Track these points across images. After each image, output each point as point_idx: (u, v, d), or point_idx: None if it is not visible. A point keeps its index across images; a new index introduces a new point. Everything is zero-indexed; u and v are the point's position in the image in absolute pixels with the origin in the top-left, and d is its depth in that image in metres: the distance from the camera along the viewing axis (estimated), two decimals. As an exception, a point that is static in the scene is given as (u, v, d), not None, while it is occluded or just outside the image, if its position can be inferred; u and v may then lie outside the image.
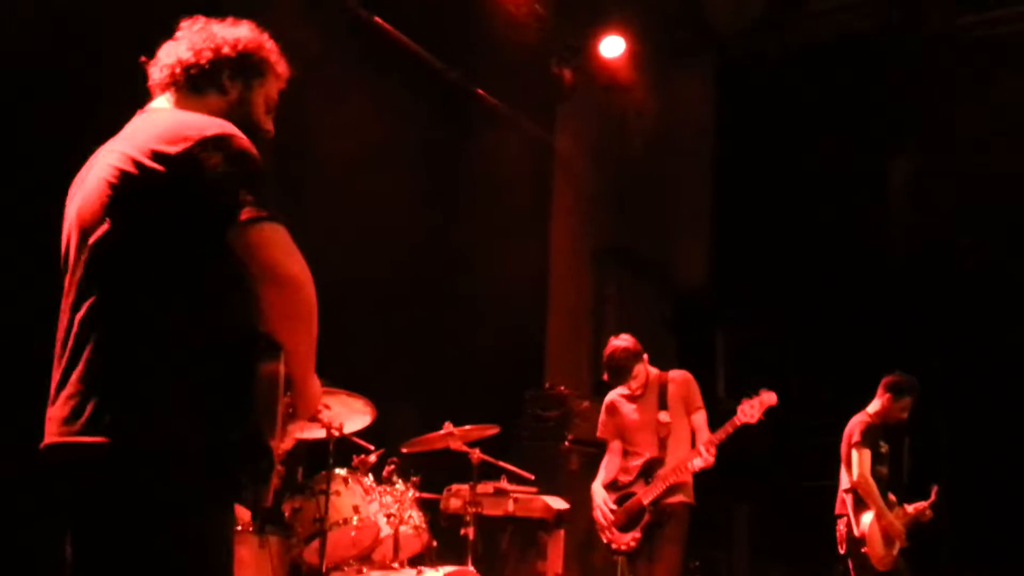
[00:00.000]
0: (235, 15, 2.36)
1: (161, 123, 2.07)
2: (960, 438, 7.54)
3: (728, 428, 4.93)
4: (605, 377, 5.30)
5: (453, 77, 7.13)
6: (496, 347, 7.04)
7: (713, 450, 4.91)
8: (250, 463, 1.98)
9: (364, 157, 5.93)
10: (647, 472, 5.11)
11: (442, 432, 4.77)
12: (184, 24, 2.30)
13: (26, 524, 3.44)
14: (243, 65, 2.26)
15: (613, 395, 5.43)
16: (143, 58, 2.29)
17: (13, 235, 3.94)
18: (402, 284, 6.45)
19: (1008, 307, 7.57)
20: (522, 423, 7.01)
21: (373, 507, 4.30)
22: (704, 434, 5.11)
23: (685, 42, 9.28)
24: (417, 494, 4.60)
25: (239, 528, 3.89)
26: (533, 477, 5.62)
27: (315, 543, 4.07)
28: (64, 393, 1.95)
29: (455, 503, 5.37)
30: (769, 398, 4.96)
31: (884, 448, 5.77)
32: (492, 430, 4.92)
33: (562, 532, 6.02)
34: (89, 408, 1.89)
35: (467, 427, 4.80)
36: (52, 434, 1.95)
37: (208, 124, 2.03)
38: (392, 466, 4.57)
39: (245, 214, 1.92)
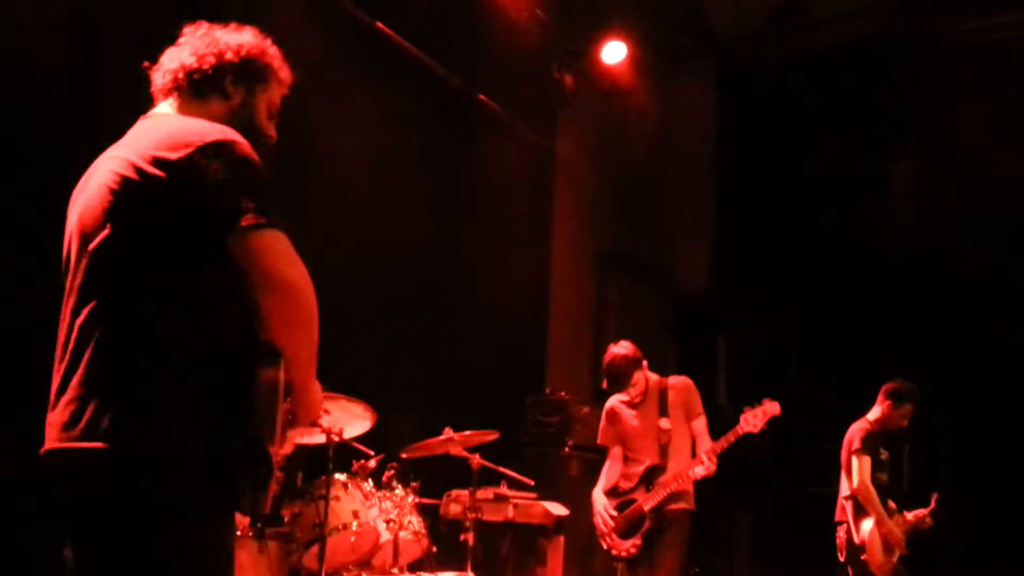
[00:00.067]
0: (237, 20, 2.36)
1: (163, 129, 2.07)
2: (961, 444, 7.53)
3: (730, 437, 4.92)
4: (604, 385, 5.29)
5: (455, 83, 7.13)
6: (497, 352, 7.04)
7: (715, 459, 4.90)
8: (249, 469, 1.98)
9: (366, 163, 5.94)
10: (648, 479, 5.11)
11: (442, 437, 4.77)
12: (187, 30, 2.30)
13: (26, 525, 3.44)
14: (246, 71, 2.26)
15: (613, 401, 5.43)
16: (146, 63, 2.30)
17: (14, 235, 3.95)
18: (403, 289, 6.46)
19: (1010, 312, 7.56)
20: (522, 429, 7.00)
21: (373, 512, 4.30)
22: (705, 440, 5.10)
23: (686, 47, 9.30)
24: (417, 499, 4.60)
25: (239, 533, 3.90)
26: (533, 483, 5.62)
27: (314, 548, 4.07)
28: (64, 398, 1.95)
29: (455, 509, 5.36)
30: (772, 408, 4.95)
31: (884, 455, 5.76)
32: (492, 435, 4.91)
33: (562, 538, 6.01)
34: (88, 413, 1.90)
35: (467, 432, 4.80)
36: (52, 440, 1.95)
37: (210, 130, 2.04)
38: (392, 471, 4.56)
39: (245, 220, 1.92)
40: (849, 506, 5.69)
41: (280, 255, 1.96)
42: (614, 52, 8.08)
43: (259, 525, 3.98)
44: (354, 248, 5.82)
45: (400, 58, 6.59)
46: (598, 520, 5.26)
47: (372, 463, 4.49)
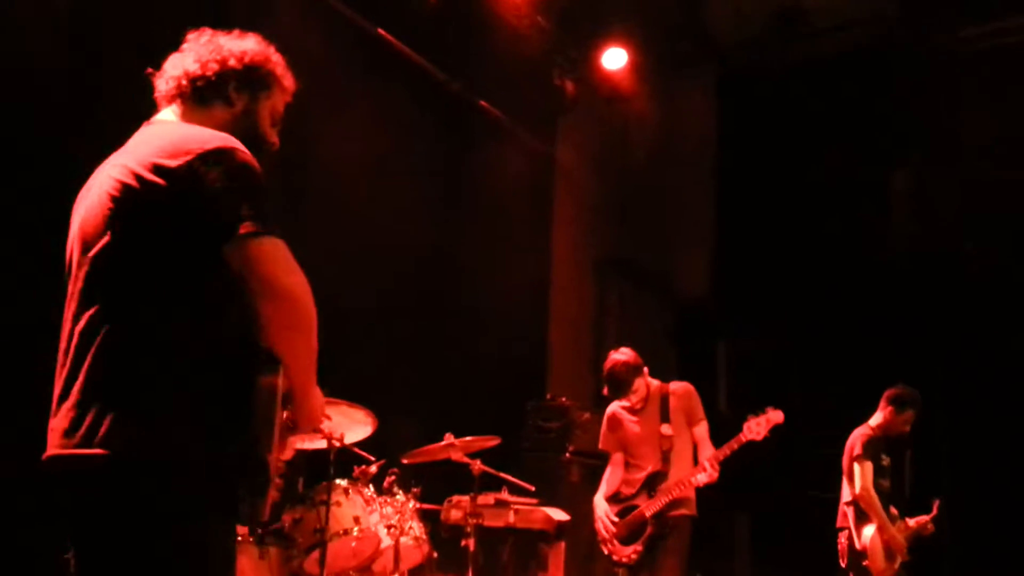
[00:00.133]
0: (238, 23, 2.37)
1: (164, 136, 2.07)
2: (963, 450, 7.52)
3: (733, 444, 4.92)
4: (605, 391, 5.28)
5: (455, 89, 7.15)
6: (498, 358, 7.04)
7: (717, 466, 4.90)
8: (247, 476, 1.99)
9: (367, 168, 5.95)
10: (650, 485, 5.10)
11: (443, 443, 4.77)
12: (191, 36, 2.30)
13: (27, 526, 3.44)
14: (249, 78, 2.27)
15: (615, 407, 5.42)
16: (149, 69, 2.30)
17: (14, 236, 3.95)
18: (404, 295, 6.46)
19: (1012, 317, 7.56)
20: (523, 434, 6.99)
21: (374, 518, 4.30)
22: (707, 446, 5.10)
23: (687, 53, 9.31)
24: (418, 505, 4.59)
25: (239, 538, 3.89)
26: (534, 489, 5.61)
27: (315, 554, 4.06)
28: (65, 404, 1.95)
29: (456, 514, 5.36)
30: (776, 416, 4.95)
31: (886, 461, 5.76)
32: (493, 441, 4.91)
33: (563, 544, 6.00)
34: (89, 419, 1.90)
35: (468, 438, 4.80)
36: (53, 446, 1.96)
37: (210, 138, 2.04)
38: (393, 477, 4.56)
39: (243, 228, 1.93)
40: (851, 512, 5.69)
41: (278, 262, 1.97)
42: (615, 58, 8.10)
43: (259, 532, 3.98)
44: (355, 254, 5.83)
45: (401, 64, 6.60)
46: (599, 526, 5.25)
47: (373, 469, 4.48)
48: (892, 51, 8.33)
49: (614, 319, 8.93)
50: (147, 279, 1.97)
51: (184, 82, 2.23)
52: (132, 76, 2.37)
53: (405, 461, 4.78)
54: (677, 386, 5.32)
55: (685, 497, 5.03)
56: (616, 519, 5.16)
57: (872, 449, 5.67)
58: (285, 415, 2.13)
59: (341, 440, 4.28)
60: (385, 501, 4.41)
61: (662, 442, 5.14)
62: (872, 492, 5.58)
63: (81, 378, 1.94)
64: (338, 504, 4.17)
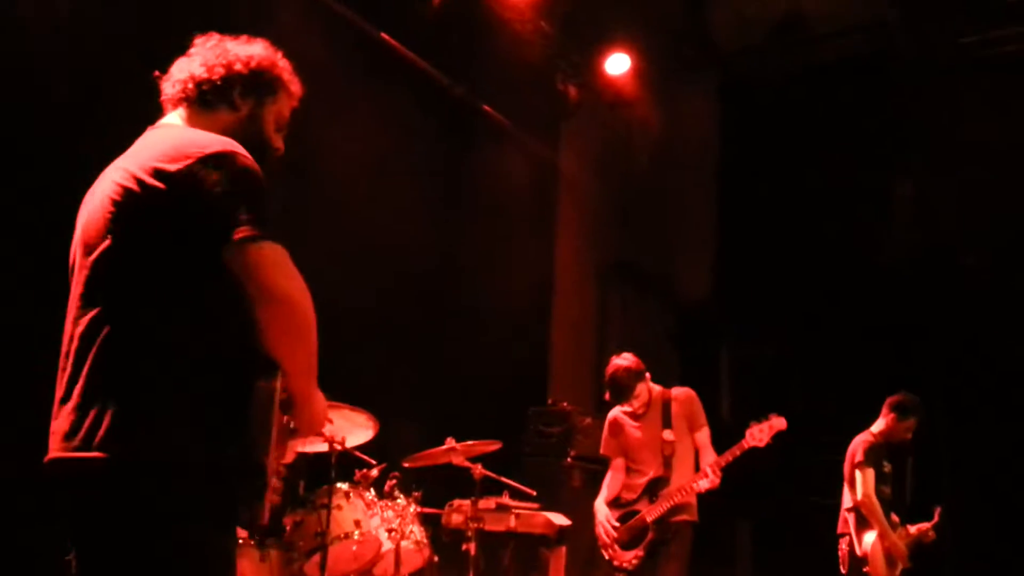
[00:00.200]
0: (240, 28, 2.37)
1: (166, 140, 2.08)
2: (964, 457, 7.51)
3: (736, 451, 4.92)
4: (607, 396, 5.28)
5: (458, 93, 7.16)
6: (499, 362, 7.05)
7: (719, 472, 4.90)
8: (245, 479, 1.99)
9: (369, 172, 5.96)
10: (651, 490, 5.09)
11: (444, 447, 4.77)
12: (198, 40, 2.31)
13: (28, 525, 3.44)
14: (255, 82, 2.27)
15: (616, 412, 5.42)
16: (156, 73, 2.30)
17: (14, 236, 3.96)
18: (406, 299, 6.47)
19: (1014, 324, 7.56)
20: (524, 439, 6.99)
21: (375, 522, 4.30)
22: (708, 452, 5.10)
23: (689, 58, 9.31)
24: (419, 509, 4.60)
25: (240, 541, 3.90)
26: (535, 493, 5.61)
27: (316, 557, 4.06)
28: (65, 407, 1.96)
29: (457, 518, 5.36)
30: (779, 423, 4.95)
31: (887, 468, 5.75)
32: (494, 446, 4.91)
33: (564, 549, 5.99)
34: (88, 422, 1.91)
35: (469, 442, 4.80)
36: (54, 449, 1.96)
37: (211, 142, 2.04)
38: (394, 481, 4.56)
39: (242, 232, 1.92)
40: (852, 518, 5.68)
41: (276, 267, 1.96)
42: (617, 63, 8.11)
43: (259, 536, 3.98)
44: (357, 256, 5.84)
45: (404, 68, 6.61)
46: (600, 531, 5.25)
47: (374, 472, 4.49)
48: (893, 58, 8.34)
49: (616, 324, 8.93)
50: (147, 283, 1.97)
51: (190, 86, 2.23)
52: (132, 76, 2.37)
53: (406, 465, 4.79)
54: (679, 391, 5.32)
55: (686, 503, 5.03)
56: (617, 524, 5.16)
57: (874, 456, 5.67)
58: (285, 419, 2.14)
59: (342, 444, 4.28)
60: (386, 505, 4.42)
61: (664, 447, 5.14)
62: (874, 499, 5.57)
63: (81, 381, 1.95)
64: (339, 508, 4.17)
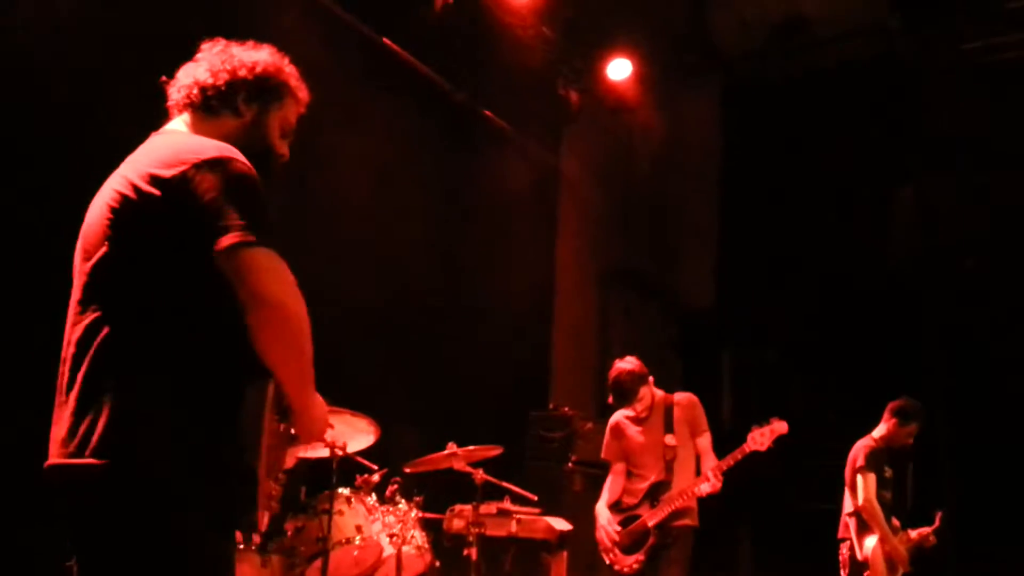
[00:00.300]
0: (242, 33, 2.37)
1: (165, 147, 2.09)
2: (965, 462, 7.51)
3: (737, 455, 4.92)
4: (610, 400, 5.29)
5: (460, 98, 7.17)
6: (501, 367, 7.05)
7: (721, 476, 4.90)
8: (239, 486, 1.99)
9: (371, 177, 5.97)
10: (653, 495, 5.09)
11: (446, 452, 4.77)
12: (205, 46, 2.30)
13: (27, 526, 3.45)
14: (260, 88, 2.26)
15: (618, 416, 5.42)
16: (163, 78, 2.30)
17: (13, 236, 3.97)
18: (407, 304, 6.47)
19: (1016, 329, 7.56)
20: (526, 444, 6.99)
21: (376, 527, 4.30)
22: (710, 457, 5.09)
23: (692, 64, 9.33)
24: (420, 514, 4.59)
25: (241, 546, 3.90)
26: (536, 498, 5.61)
27: (317, 563, 4.06)
28: (63, 414, 1.97)
29: (458, 523, 5.36)
30: (780, 427, 4.95)
31: (888, 473, 5.75)
32: (496, 450, 4.91)
33: (565, 553, 5.99)
34: (83, 428, 1.91)
35: (471, 447, 4.80)
36: (53, 455, 1.97)
37: (207, 148, 2.04)
38: (395, 486, 4.56)
39: (236, 238, 1.91)
40: (853, 523, 5.68)
41: (267, 272, 1.94)
42: (619, 69, 8.12)
43: (258, 541, 3.98)
44: (359, 263, 5.84)
45: (406, 73, 6.62)
46: (602, 535, 5.24)
47: (376, 477, 4.49)
48: (894, 62, 8.35)
49: (618, 329, 8.93)
50: (143, 289, 1.98)
51: (194, 92, 2.23)
52: (132, 77, 2.37)
53: (407, 470, 4.79)
54: (681, 396, 5.32)
55: (688, 507, 5.03)
56: (618, 528, 5.16)
57: (875, 461, 5.67)
58: (284, 427, 2.13)
59: (343, 449, 4.29)
60: (387, 510, 4.41)
61: (665, 452, 5.14)
62: (875, 503, 5.57)
63: (77, 386, 1.95)
64: (340, 513, 4.17)
